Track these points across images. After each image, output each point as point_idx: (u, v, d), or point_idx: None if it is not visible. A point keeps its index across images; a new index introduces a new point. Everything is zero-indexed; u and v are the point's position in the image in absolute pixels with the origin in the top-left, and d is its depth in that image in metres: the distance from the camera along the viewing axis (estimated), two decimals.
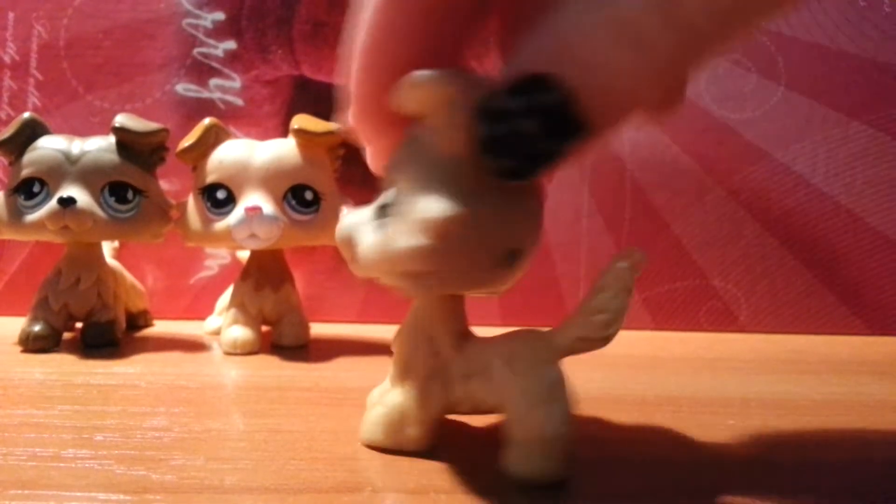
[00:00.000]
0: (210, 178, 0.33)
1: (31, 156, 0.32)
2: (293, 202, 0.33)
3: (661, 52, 0.14)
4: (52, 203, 0.31)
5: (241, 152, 0.33)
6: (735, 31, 0.14)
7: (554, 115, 0.15)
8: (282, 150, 0.33)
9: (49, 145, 0.32)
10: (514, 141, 0.15)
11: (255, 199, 0.32)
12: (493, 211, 0.16)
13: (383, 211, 0.17)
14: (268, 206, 0.32)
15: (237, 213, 0.32)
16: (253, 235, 0.32)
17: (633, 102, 0.15)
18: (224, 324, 0.35)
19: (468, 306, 0.20)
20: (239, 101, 0.45)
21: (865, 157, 0.46)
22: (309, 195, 0.33)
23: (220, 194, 0.33)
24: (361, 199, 0.20)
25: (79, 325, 0.34)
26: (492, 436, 0.20)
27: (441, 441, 0.19)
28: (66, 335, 0.34)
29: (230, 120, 0.43)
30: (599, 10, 0.14)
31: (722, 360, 0.35)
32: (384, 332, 0.40)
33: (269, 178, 0.33)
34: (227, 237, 0.32)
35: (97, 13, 0.44)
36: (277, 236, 0.32)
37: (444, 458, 0.18)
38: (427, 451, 0.18)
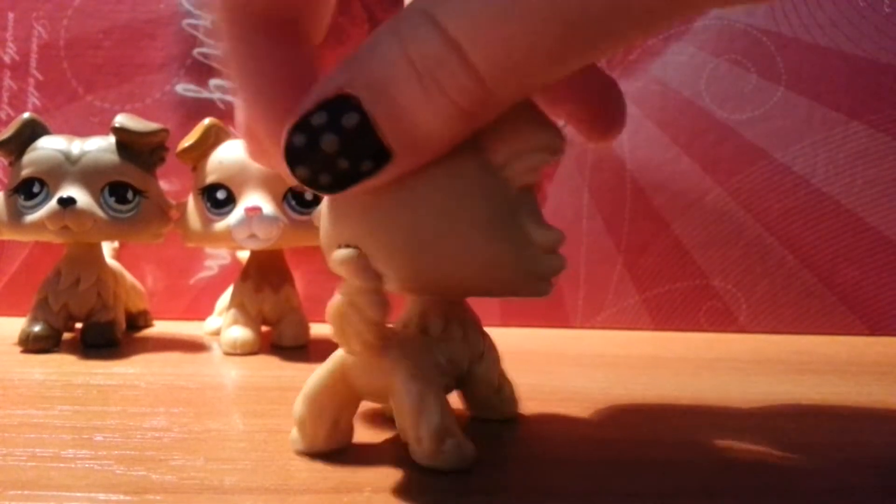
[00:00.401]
0: (210, 179, 0.33)
1: (30, 156, 0.32)
2: (293, 202, 0.33)
3: (452, 91, 0.14)
4: (52, 203, 0.31)
5: (241, 152, 0.33)
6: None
7: (352, 136, 0.15)
8: None
9: (49, 145, 0.32)
10: (314, 155, 0.15)
11: (254, 199, 0.32)
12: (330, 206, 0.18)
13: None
14: (268, 207, 0.32)
15: (237, 213, 0.32)
16: (253, 236, 0.32)
17: (450, 133, 0.15)
18: (224, 324, 0.35)
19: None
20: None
21: (865, 157, 0.46)
22: (309, 195, 0.33)
23: (220, 194, 0.33)
24: None
25: (79, 325, 0.34)
26: (492, 438, 0.20)
27: None
28: (66, 335, 0.34)
29: (230, 120, 0.43)
30: (394, 36, 0.15)
31: (722, 361, 0.35)
32: None
33: (269, 179, 0.32)
34: (227, 237, 0.32)
35: (97, 13, 0.44)
36: (277, 236, 0.32)
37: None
38: None
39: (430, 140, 0.15)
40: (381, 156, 0.15)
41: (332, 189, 0.16)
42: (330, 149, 0.15)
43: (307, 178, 0.16)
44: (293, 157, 0.15)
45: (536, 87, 0.16)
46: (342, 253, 0.15)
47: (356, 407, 0.19)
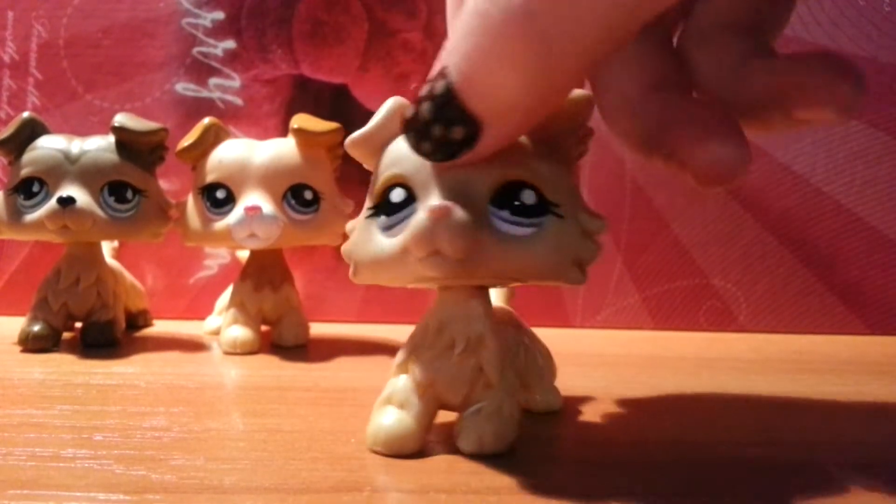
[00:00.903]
0: (210, 178, 0.33)
1: (30, 155, 0.32)
2: (293, 202, 0.33)
3: (530, 61, 0.15)
4: (52, 203, 0.31)
5: (240, 152, 0.33)
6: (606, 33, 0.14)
7: (440, 102, 0.16)
8: (281, 149, 0.33)
9: (48, 145, 0.32)
10: (416, 123, 0.16)
11: (254, 198, 0.32)
12: None
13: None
14: (267, 206, 0.32)
15: (237, 212, 0.32)
16: (252, 235, 0.32)
17: (527, 102, 0.16)
18: (224, 323, 0.35)
19: None
20: (238, 101, 0.45)
21: (865, 156, 0.46)
22: (308, 195, 0.33)
23: (220, 194, 0.33)
24: (361, 199, 0.20)
25: (78, 324, 0.34)
26: None
27: (440, 441, 0.19)
28: (66, 335, 0.34)
29: (230, 119, 0.43)
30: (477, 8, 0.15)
31: (721, 360, 0.35)
32: (384, 331, 0.40)
33: (269, 178, 0.32)
34: (226, 237, 0.32)
35: (97, 12, 0.44)
36: (277, 236, 0.32)
37: (444, 458, 0.18)
38: (427, 451, 0.18)
39: (512, 106, 0.16)
40: (471, 124, 0.16)
41: (435, 157, 0.17)
42: (427, 114, 0.16)
43: (415, 146, 0.17)
44: (406, 126, 0.17)
45: (592, 52, 0.15)
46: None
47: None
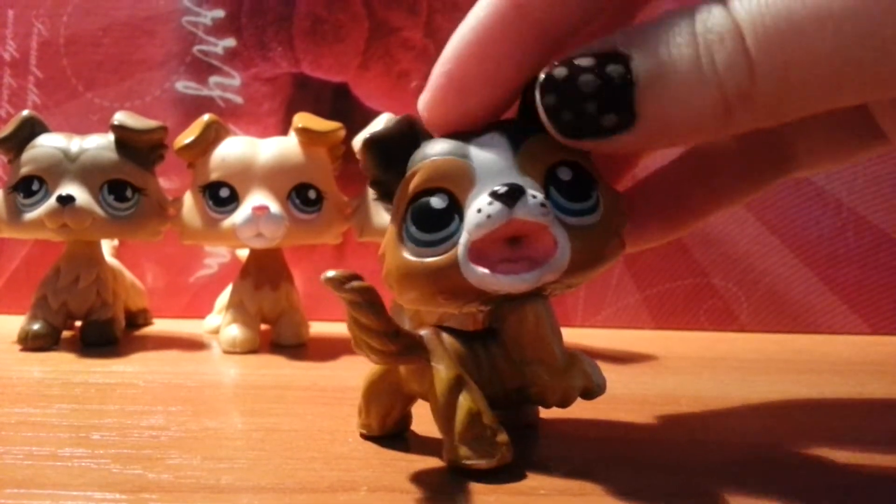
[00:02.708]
0: (213, 176, 0.33)
1: (30, 154, 0.32)
2: (297, 201, 0.33)
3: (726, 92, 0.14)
4: (51, 201, 0.31)
5: (244, 150, 0.33)
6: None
7: (610, 84, 0.15)
8: (286, 148, 0.33)
9: (48, 143, 0.32)
10: (568, 89, 0.15)
11: (260, 198, 0.32)
12: None
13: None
14: (274, 206, 0.32)
15: (244, 211, 0.32)
16: (259, 235, 0.32)
17: (693, 117, 0.15)
18: (223, 322, 0.35)
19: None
20: (239, 99, 0.45)
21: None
22: (312, 194, 0.33)
23: (223, 192, 0.33)
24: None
25: (78, 323, 0.34)
26: None
27: (433, 444, 0.19)
28: (65, 333, 0.34)
29: (230, 117, 0.43)
30: (686, 11, 0.15)
31: (722, 360, 0.35)
32: None
33: (274, 177, 0.32)
34: (230, 236, 0.32)
35: (97, 10, 0.44)
36: (282, 236, 0.32)
37: (439, 458, 0.18)
38: (423, 451, 0.18)
39: (678, 120, 0.15)
40: (626, 117, 0.15)
41: (566, 129, 0.16)
42: (585, 88, 0.15)
43: (551, 107, 0.16)
44: (549, 84, 0.16)
45: (801, 109, 0.15)
46: (328, 273, 0.15)
47: (410, 400, 0.19)
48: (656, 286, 0.46)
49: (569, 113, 0.16)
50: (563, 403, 0.18)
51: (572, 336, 0.42)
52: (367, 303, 0.16)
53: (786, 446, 0.20)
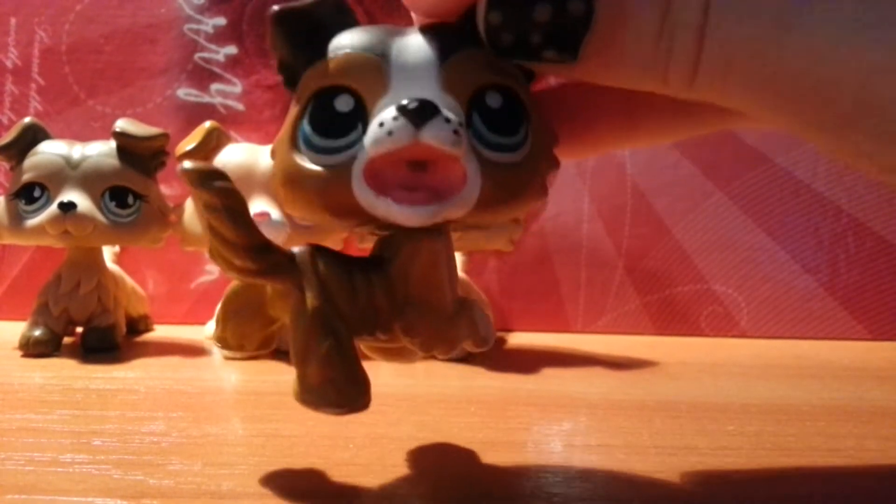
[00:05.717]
0: None
1: (31, 160, 0.32)
2: None
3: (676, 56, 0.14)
4: (53, 208, 0.31)
5: (245, 157, 0.33)
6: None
7: (566, 18, 0.14)
8: None
9: (50, 150, 0.32)
10: (517, 12, 0.14)
11: (261, 204, 0.32)
12: None
13: None
14: (275, 213, 0.32)
15: None
16: None
17: (634, 74, 0.14)
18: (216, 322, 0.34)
19: None
20: (240, 106, 0.45)
21: None
22: None
23: None
24: None
25: (79, 329, 0.34)
26: (485, 447, 0.20)
27: (434, 450, 0.19)
28: (67, 340, 0.34)
29: (231, 125, 0.44)
30: None
31: (722, 366, 0.35)
32: None
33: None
34: None
35: (99, 18, 0.44)
36: (283, 242, 0.32)
37: (441, 467, 0.18)
38: (426, 459, 0.18)
39: (618, 73, 0.14)
40: (568, 56, 0.14)
41: (503, 52, 0.14)
42: (539, 16, 0.14)
43: (493, 26, 0.14)
44: (496, 3, 0.14)
45: (736, 106, 0.15)
46: (186, 163, 0.13)
47: (271, 322, 0.17)
48: (657, 292, 0.46)
49: (510, 37, 0.14)
50: (443, 353, 0.16)
51: (573, 342, 0.42)
52: (226, 209, 0.14)
53: (785, 452, 0.20)
